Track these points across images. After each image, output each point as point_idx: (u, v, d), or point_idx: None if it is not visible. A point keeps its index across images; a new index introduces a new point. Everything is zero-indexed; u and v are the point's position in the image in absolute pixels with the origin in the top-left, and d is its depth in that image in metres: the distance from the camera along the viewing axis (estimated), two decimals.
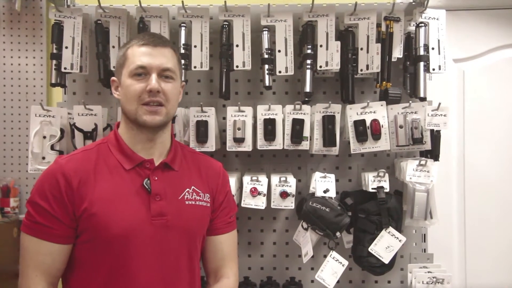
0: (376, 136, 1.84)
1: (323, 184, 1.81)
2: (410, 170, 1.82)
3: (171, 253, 1.40)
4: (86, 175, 1.36)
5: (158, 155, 1.46)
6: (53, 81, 1.90)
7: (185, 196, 1.46)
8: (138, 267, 1.34)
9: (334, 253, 1.81)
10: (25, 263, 1.35)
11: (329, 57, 1.86)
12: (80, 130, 1.84)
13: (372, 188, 1.84)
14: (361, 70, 1.88)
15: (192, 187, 1.48)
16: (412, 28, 1.92)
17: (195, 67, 1.88)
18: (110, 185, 1.37)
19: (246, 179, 1.83)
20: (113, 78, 1.49)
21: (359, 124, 1.85)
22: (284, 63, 1.87)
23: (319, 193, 1.79)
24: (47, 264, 1.34)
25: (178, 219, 1.42)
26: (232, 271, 1.55)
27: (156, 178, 1.42)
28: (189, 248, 1.45)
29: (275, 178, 1.85)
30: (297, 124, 1.84)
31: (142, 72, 1.39)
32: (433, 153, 1.90)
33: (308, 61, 1.87)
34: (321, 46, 1.86)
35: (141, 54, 1.40)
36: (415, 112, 1.86)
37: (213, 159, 1.65)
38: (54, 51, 1.88)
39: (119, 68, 1.46)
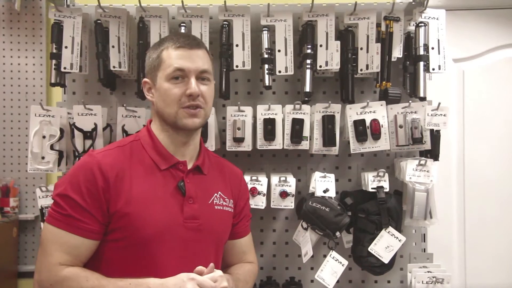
0: (376, 136, 1.84)
1: (323, 184, 1.81)
2: (410, 170, 1.82)
3: (201, 257, 1.40)
4: (122, 172, 1.34)
5: (189, 157, 1.47)
6: (53, 81, 1.89)
7: (214, 201, 1.47)
8: (169, 269, 1.32)
9: (333, 253, 1.81)
10: (48, 245, 1.30)
11: (329, 56, 1.86)
12: (79, 130, 1.84)
13: (371, 188, 1.84)
14: (361, 69, 1.88)
15: (219, 192, 1.50)
16: (412, 28, 1.93)
17: None
18: (146, 184, 1.36)
19: (246, 179, 1.83)
20: (145, 80, 1.47)
21: (359, 124, 1.85)
22: (284, 63, 1.87)
23: (319, 193, 1.79)
24: (72, 254, 1.30)
25: (209, 223, 1.43)
26: (254, 259, 1.65)
27: (188, 181, 1.42)
28: (216, 253, 1.47)
29: (274, 178, 1.85)
30: (297, 124, 1.84)
31: (179, 75, 1.39)
32: (433, 153, 1.91)
33: (308, 61, 1.87)
34: (321, 46, 1.86)
35: (177, 57, 1.40)
36: (415, 112, 1.86)
37: (234, 165, 1.67)
38: (54, 50, 1.88)
39: (153, 70, 1.44)
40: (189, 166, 1.45)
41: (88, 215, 1.30)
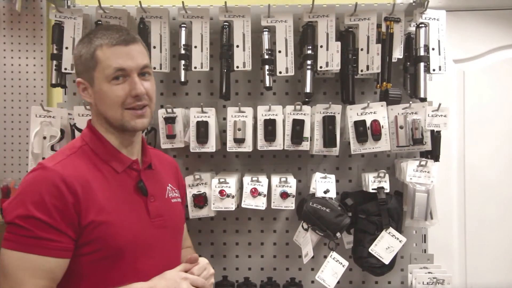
0: (376, 136, 1.84)
1: (324, 185, 1.81)
2: (411, 170, 1.82)
3: (171, 252, 1.41)
4: (86, 181, 1.26)
5: (136, 154, 1.41)
6: (54, 82, 1.90)
7: (169, 195, 1.46)
8: (148, 271, 1.31)
9: (334, 254, 1.81)
10: (17, 274, 1.17)
11: (330, 57, 1.86)
12: (80, 130, 1.84)
13: (372, 189, 1.84)
14: (361, 70, 1.88)
15: (169, 184, 1.48)
16: (412, 28, 1.93)
17: (195, 67, 1.88)
18: (109, 190, 1.30)
19: (247, 179, 1.83)
20: (79, 80, 1.34)
21: (359, 125, 1.85)
22: (285, 63, 1.87)
23: (320, 194, 1.79)
24: (48, 278, 1.20)
25: (171, 218, 1.42)
26: (191, 244, 1.68)
27: (145, 179, 1.38)
28: (180, 245, 1.49)
29: (275, 179, 1.85)
30: (298, 125, 1.84)
31: (120, 75, 1.30)
32: (434, 154, 1.90)
33: (309, 62, 1.87)
34: (321, 46, 1.86)
35: (116, 56, 1.29)
36: (416, 113, 1.86)
37: (166, 154, 1.67)
38: (55, 51, 1.88)
39: (88, 71, 1.32)
40: (140, 164, 1.40)
41: (59, 234, 1.20)
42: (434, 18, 1.89)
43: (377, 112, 1.86)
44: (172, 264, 1.36)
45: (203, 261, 1.37)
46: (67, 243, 1.22)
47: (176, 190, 1.50)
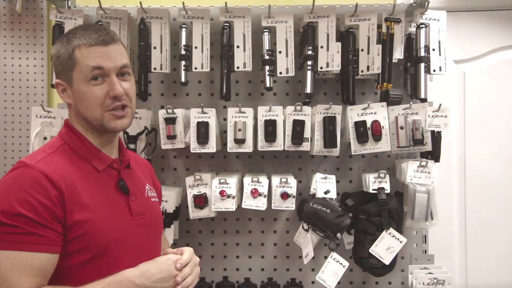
0: (377, 137, 1.84)
1: (324, 185, 1.81)
2: (411, 171, 1.82)
3: (152, 251, 1.39)
4: (68, 178, 1.24)
5: (115, 153, 1.39)
6: (54, 82, 1.89)
7: (148, 193, 1.44)
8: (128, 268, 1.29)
9: (334, 254, 1.81)
10: (7, 274, 1.14)
11: (330, 58, 1.86)
12: None
13: (372, 189, 1.84)
14: (362, 71, 1.88)
15: (147, 184, 1.47)
16: (412, 29, 1.93)
17: (195, 68, 1.88)
18: (92, 188, 1.28)
19: (247, 180, 1.83)
20: (57, 81, 1.32)
21: (360, 125, 1.85)
22: (285, 64, 1.87)
23: (320, 194, 1.79)
24: (39, 275, 1.17)
25: (152, 217, 1.41)
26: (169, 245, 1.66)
27: (125, 178, 1.37)
28: (160, 244, 1.47)
29: (275, 179, 1.85)
30: (298, 125, 1.84)
31: (98, 75, 1.27)
32: (434, 154, 1.91)
33: (309, 62, 1.87)
34: (321, 47, 1.86)
35: (93, 56, 1.27)
36: (416, 113, 1.86)
37: (139, 156, 1.66)
38: None
39: (66, 71, 1.30)
40: (119, 163, 1.38)
41: (47, 229, 1.17)
42: (435, 19, 1.89)
43: (378, 112, 1.86)
44: None
45: (188, 249, 1.35)
46: (55, 237, 1.19)
47: (153, 190, 1.49)
